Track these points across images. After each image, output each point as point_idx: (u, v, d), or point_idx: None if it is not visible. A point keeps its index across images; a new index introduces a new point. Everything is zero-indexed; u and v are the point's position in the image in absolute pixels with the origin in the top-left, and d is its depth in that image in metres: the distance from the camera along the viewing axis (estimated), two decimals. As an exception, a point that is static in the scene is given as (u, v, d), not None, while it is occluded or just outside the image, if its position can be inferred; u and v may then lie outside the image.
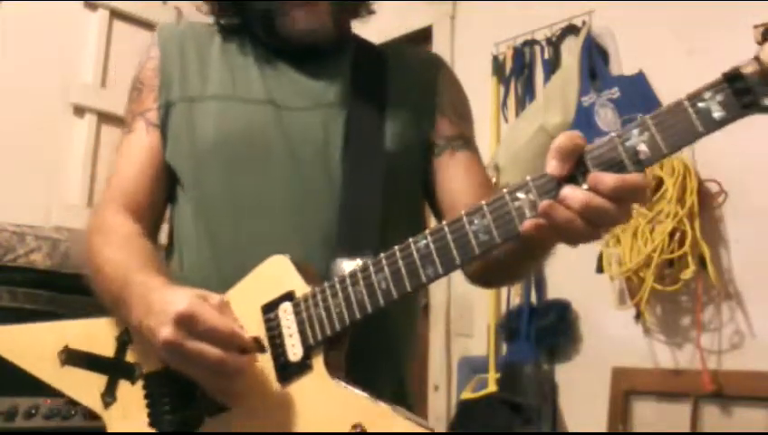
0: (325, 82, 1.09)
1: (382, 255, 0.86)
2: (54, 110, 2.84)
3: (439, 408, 2.63)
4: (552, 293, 2.38)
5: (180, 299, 0.85)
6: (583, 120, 2.25)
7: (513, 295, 2.49)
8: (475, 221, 0.80)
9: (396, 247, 0.85)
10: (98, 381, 1.03)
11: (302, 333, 0.89)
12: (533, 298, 2.41)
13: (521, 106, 2.57)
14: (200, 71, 1.10)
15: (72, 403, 1.05)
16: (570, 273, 2.19)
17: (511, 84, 2.63)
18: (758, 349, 1.97)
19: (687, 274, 1.99)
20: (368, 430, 0.83)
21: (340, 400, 0.86)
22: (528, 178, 0.78)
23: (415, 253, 0.83)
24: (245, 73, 1.10)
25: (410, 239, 0.84)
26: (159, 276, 0.94)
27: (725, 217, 2.05)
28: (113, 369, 1.02)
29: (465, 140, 1.15)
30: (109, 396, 1.02)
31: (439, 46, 2.90)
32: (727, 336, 2.03)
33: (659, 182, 2.04)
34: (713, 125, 0.71)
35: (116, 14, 3.03)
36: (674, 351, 2.13)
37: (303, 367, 0.88)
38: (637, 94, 2.18)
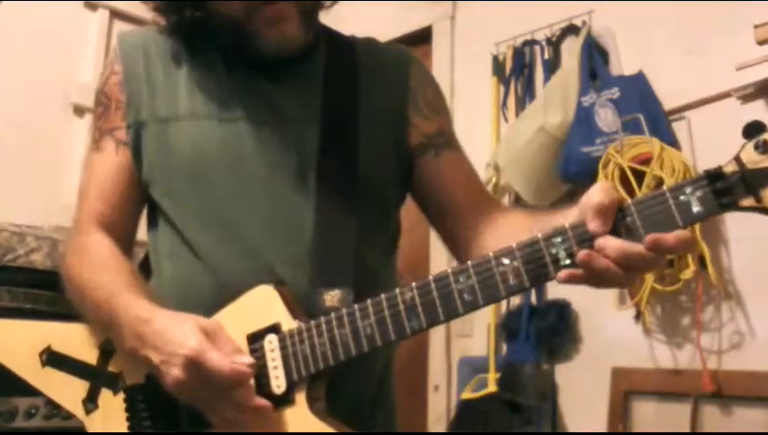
0: (297, 94, 1.07)
1: (369, 301, 0.88)
2: (54, 110, 2.84)
3: (439, 408, 2.63)
4: (552, 293, 2.38)
5: (186, 339, 0.86)
6: (583, 120, 2.24)
7: (513, 295, 2.49)
8: (461, 280, 0.82)
9: (383, 296, 0.87)
10: (80, 386, 1.03)
11: (286, 366, 0.91)
12: (533, 298, 2.41)
13: (521, 106, 2.57)
14: (169, 87, 1.07)
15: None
16: (570, 273, 2.18)
17: (511, 84, 2.62)
18: (758, 349, 1.97)
19: (687, 274, 1.99)
20: None
21: None
22: (514, 245, 0.80)
23: (401, 304, 0.85)
24: (217, 90, 1.06)
25: (397, 290, 0.86)
26: (144, 300, 0.94)
27: (725, 216, 2.05)
28: (96, 377, 1.03)
29: (447, 136, 1.13)
30: (90, 403, 1.02)
31: (439, 46, 2.90)
32: (727, 336, 2.03)
33: (659, 182, 2.04)
34: (691, 219, 0.75)
35: (116, 14, 3.04)
36: (674, 351, 2.13)
37: (286, 400, 0.90)
38: (637, 94, 2.18)
